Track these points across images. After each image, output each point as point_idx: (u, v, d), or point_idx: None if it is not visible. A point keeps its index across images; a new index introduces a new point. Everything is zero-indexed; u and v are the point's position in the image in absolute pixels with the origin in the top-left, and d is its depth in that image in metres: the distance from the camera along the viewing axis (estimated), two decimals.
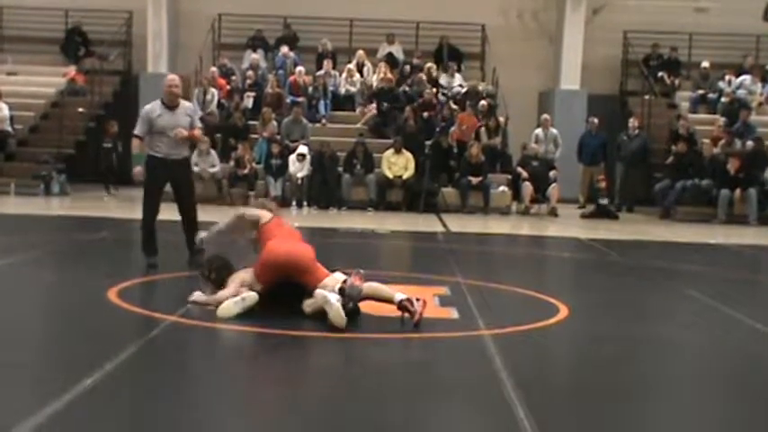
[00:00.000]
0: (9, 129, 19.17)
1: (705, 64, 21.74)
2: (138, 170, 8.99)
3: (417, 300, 6.57)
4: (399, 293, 6.63)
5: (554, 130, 19.57)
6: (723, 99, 20.91)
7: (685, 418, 4.84)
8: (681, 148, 18.58)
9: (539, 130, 19.55)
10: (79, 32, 22.63)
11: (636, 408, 4.90)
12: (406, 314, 6.50)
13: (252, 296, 6.60)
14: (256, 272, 6.78)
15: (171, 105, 8.96)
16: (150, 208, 9.08)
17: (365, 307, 6.79)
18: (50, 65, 22.31)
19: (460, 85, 20.70)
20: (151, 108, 8.97)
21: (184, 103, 9.21)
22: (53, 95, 21.23)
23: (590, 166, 19.64)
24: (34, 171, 18.38)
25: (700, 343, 6.81)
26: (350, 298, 6.49)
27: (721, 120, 19.89)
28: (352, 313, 6.50)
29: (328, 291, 6.45)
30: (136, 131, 8.97)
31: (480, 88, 20.72)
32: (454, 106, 19.86)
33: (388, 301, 6.62)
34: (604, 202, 18.02)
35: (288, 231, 7.15)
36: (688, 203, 18.12)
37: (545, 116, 20.00)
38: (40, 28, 22.53)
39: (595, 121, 19.83)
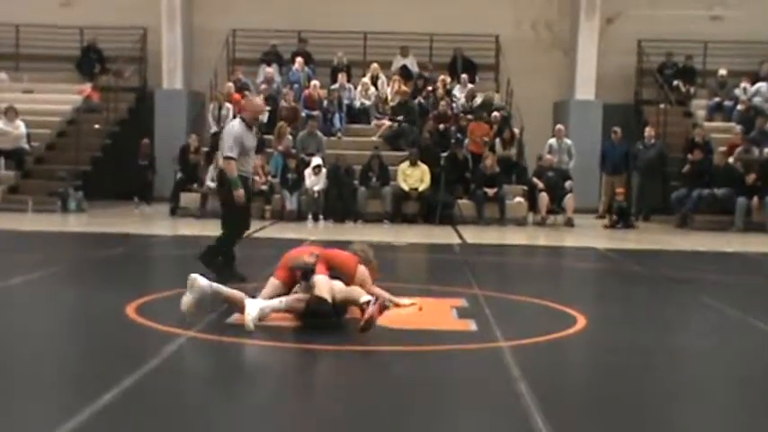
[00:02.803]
0: (26, 146, 19.27)
1: (722, 72, 21.65)
2: (240, 192, 8.98)
3: (375, 302, 6.54)
4: (366, 296, 6.69)
5: (568, 141, 19.53)
6: (739, 107, 20.83)
7: (705, 428, 4.80)
8: (697, 157, 18.51)
9: (552, 140, 19.51)
10: (94, 50, 22.75)
11: (655, 417, 4.86)
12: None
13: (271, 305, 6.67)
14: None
15: (251, 126, 9.19)
16: (241, 227, 9.34)
17: (382, 319, 6.78)
18: (66, 82, 22.42)
19: (472, 97, 20.64)
20: (239, 132, 9.05)
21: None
22: (69, 113, 21.34)
23: (612, 176, 19.59)
24: (51, 188, 18.46)
25: (718, 352, 6.76)
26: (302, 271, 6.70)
27: (738, 128, 19.81)
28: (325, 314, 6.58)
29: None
30: (232, 154, 8.96)
31: (495, 101, 20.71)
32: (469, 116, 19.83)
33: (355, 303, 6.71)
34: (623, 206, 17.94)
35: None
36: (705, 212, 18.03)
37: (559, 126, 19.97)
38: (55, 46, 22.65)
39: (618, 131, 19.78)
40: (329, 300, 6.65)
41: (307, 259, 6.85)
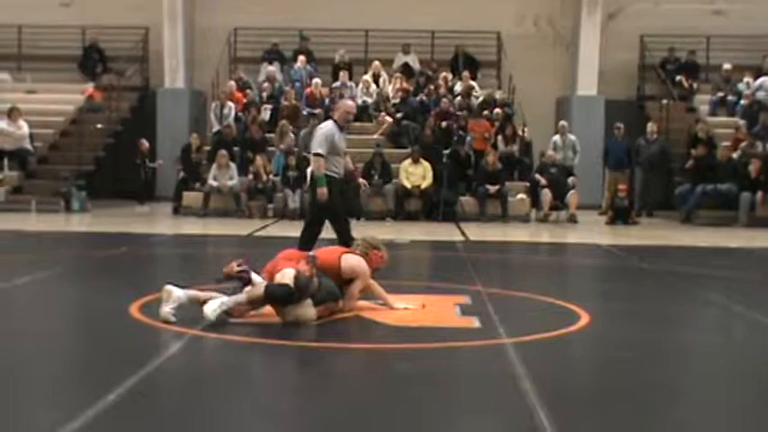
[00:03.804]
0: (29, 146, 19.28)
1: (727, 66, 21.61)
2: (324, 190, 9.06)
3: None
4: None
5: (572, 137, 19.51)
6: (742, 102, 20.80)
7: (711, 425, 4.79)
8: (700, 152, 18.49)
9: (556, 137, 19.50)
10: (96, 50, 22.78)
11: (659, 414, 4.86)
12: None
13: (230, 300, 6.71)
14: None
15: (343, 128, 9.21)
16: (319, 226, 9.33)
17: (386, 317, 6.78)
18: (68, 82, 22.47)
19: (468, 93, 20.61)
20: (330, 130, 9.14)
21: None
22: (72, 113, 21.37)
23: (615, 172, 19.57)
24: (54, 188, 18.49)
25: (723, 348, 6.76)
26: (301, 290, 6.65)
27: (741, 122, 19.78)
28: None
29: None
30: (321, 150, 9.05)
31: (498, 96, 20.71)
32: (464, 113, 19.81)
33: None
34: (623, 204, 17.93)
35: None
36: (709, 207, 18.01)
37: (563, 123, 19.96)
38: (57, 46, 22.69)
39: (621, 126, 19.77)
40: (290, 284, 6.66)
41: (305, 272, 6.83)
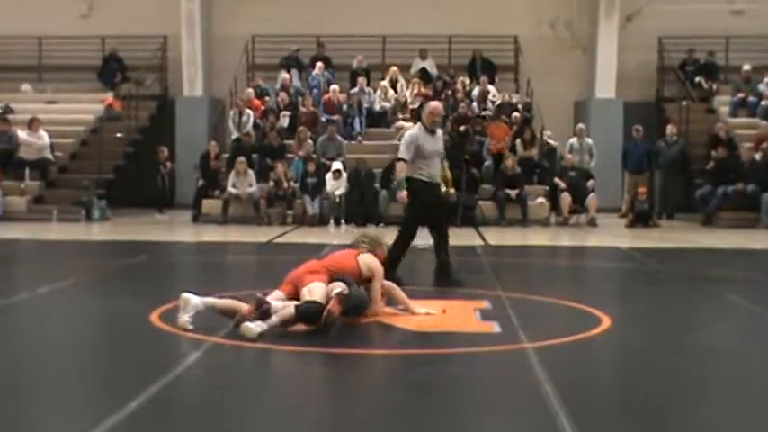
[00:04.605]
0: (50, 156, 19.40)
1: (746, 67, 21.49)
2: (403, 194, 9.18)
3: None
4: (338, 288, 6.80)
5: (589, 140, 19.45)
6: (763, 102, 20.67)
7: (736, 428, 4.76)
8: (721, 153, 18.39)
9: (573, 140, 19.45)
10: (115, 59, 22.90)
11: (682, 418, 4.83)
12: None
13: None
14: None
15: (432, 131, 9.16)
16: (414, 230, 9.34)
17: (406, 322, 6.77)
18: (88, 92, 22.60)
19: (484, 98, 20.57)
20: (416, 134, 9.18)
21: (438, 129, 9.41)
22: (92, 122, 21.48)
23: (634, 174, 19.49)
24: (75, 197, 18.58)
25: (746, 350, 6.71)
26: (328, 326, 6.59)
27: (762, 123, 19.66)
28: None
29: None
30: (402, 156, 9.15)
31: (515, 100, 20.69)
32: (483, 116, 19.77)
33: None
34: (644, 207, 17.86)
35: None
36: (730, 209, 17.90)
37: (580, 126, 19.91)
38: (77, 56, 22.83)
39: (640, 129, 19.69)
40: (322, 302, 6.65)
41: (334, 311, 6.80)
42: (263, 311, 6.55)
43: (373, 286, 7.33)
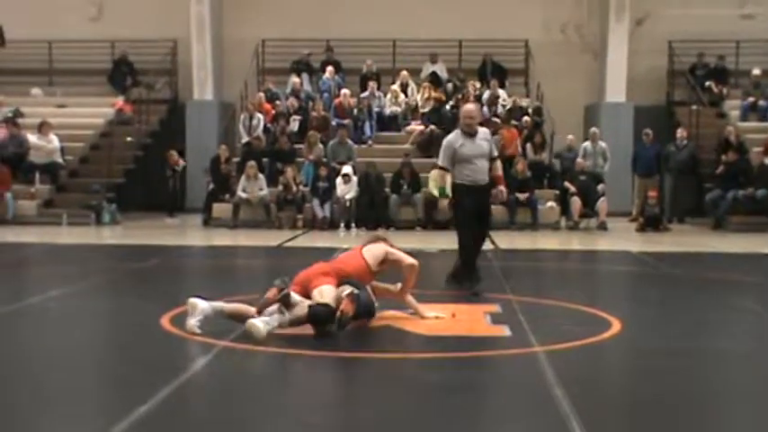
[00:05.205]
0: (60, 160, 19.45)
1: (756, 71, 21.43)
2: (444, 202, 9.34)
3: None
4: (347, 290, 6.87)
5: (603, 144, 19.41)
6: None
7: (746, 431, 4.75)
8: (731, 157, 18.34)
9: (587, 144, 19.42)
10: (125, 63, 22.94)
11: (692, 422, 4.82)
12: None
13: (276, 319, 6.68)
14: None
15: (471, 134, 9.12)
16: (469, 236, 9.31)
17: (417, 326, 6.76)
18: (98, 96, 22.63)
19: (493, 102, 20.55)
20: (453, 139, 9.22)
21: (481, 130, 9.39)
22: (102, 126, 21.52)
23: (644, 178, 19.45)
24: (85, 201, 18.60)
25: (757, 355, 6.68)
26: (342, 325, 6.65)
27: None
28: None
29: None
30: (439, 162, 9.27)
31: (525, 104, 20.67)
32: (494, 120, 19.75)
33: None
34: (654, 211, 17.82)
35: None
36: (740, 213, 17.86)
37: (593, 129, 19.84)
38: (87, 60, 22.87)
39: (650, 132, 19.65)
40: (332, 304, 6.68)
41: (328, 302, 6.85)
42: (283, 297, 6.63)
43: (391, 252, 7.40)
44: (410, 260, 7.43)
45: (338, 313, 6.58)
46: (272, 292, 6.71)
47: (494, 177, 9.36)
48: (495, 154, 9.43)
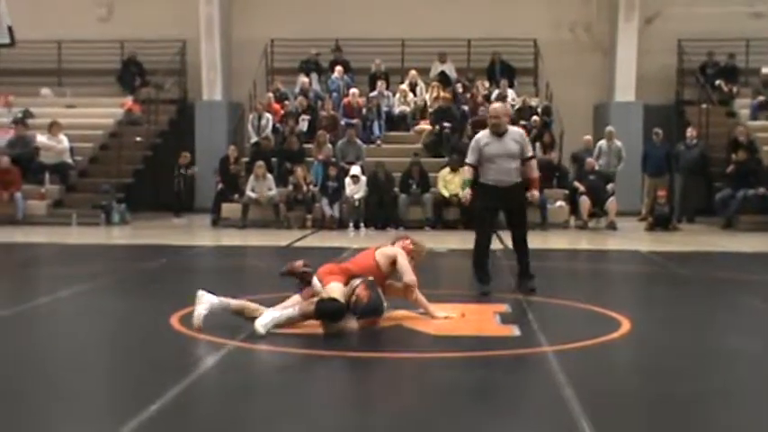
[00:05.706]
0: (69, 160, 19.50)
1: (766, 70, 21.34)
2: (464, 193, 9.40)
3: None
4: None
5: (618, 143, 19.35)
6: None
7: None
8: (741, 157, 18.29)
9: (602, 142, 19.38)
10: (135, 63, 22.99)
11: (703, 422, 4.80)
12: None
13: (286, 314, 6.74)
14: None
15: (498, 133, 9.10)
16: (482, 235, 9.27)
17: (426, 326, 6.76)
18: (108, 96, 22.69)
19: (512, 103, 20.53)
20: (479, 138, 9.26)
21: (513, 130, 9.33)
22: (111, 126, 21.55)
23: (654, 178, 19.40)
24: (95, 201, 18.65)
25: (767, 353, 6.67)
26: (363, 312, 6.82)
27: None
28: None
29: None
30: (468, 161, 9.30)
31: (534, 103, 20.65)
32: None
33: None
34: (664, 211, 17.78)
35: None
36: (750, 212, 17.80)
37: (609, 128, 19.75)
38: (96, 60, 22.93)
39: (660, 132, 19.59)
40: (341, 300, 6.74)
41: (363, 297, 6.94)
42: (304, 272, 6.81)
43: (398, 263, 7.34)
44: (409, 277, 7.36)
45: (353, 297, 6.73)
46: (299, 263, 6.88)
47: (528, 179, 9.30)
48: (529, 154, 9.27)
